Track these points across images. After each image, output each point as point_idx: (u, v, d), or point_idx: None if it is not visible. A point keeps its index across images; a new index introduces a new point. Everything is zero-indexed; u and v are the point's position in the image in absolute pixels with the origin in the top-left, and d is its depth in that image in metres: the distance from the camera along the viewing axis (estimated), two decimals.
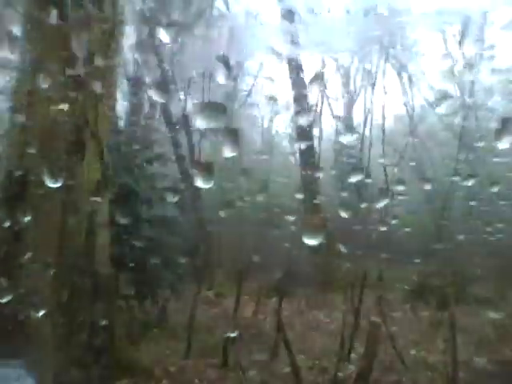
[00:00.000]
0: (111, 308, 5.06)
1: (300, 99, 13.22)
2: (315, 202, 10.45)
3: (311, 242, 2.50)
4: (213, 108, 1.96)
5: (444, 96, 4.19)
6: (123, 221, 5.32)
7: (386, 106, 15.00)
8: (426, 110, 15.28)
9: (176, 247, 6.68)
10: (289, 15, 12.55)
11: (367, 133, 15.57)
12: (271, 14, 16.05)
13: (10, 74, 5.36)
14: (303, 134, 13.15)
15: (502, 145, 2.07)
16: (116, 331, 5.04)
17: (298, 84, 13.34)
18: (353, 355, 5.29)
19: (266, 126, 16.69)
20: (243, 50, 15.62)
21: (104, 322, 4.55)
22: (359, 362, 4.81)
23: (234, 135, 2.05)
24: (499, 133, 2.09)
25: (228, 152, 2.02)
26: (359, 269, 6.55)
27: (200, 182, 1.98)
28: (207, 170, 2.04)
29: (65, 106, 4.37)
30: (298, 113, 13.63)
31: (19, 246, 4.15)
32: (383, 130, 14.04)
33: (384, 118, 14.70)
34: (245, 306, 6.72)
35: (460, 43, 15.07)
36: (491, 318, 6.44)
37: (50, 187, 3.50)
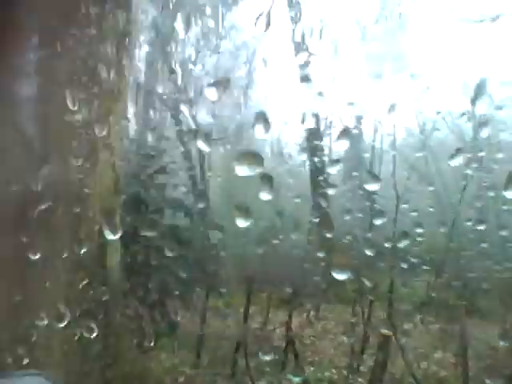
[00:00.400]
0: (121, 317, 5.08)
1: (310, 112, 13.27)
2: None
3: (340, 276, 2.65)
4: (250, 158, 2.09)
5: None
6: (133, 231, 5.35)
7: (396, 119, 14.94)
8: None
9: (186, 257, 6.69)
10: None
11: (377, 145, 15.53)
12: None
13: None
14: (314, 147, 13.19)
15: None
16: (126, 341, 5.06)
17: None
18: (362, 368, 5.25)
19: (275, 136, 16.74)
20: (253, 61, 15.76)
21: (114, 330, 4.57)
22: (369, 374, 4.78)
23: (269, 181, 2.18)
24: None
25: (265, 196, 2.15)
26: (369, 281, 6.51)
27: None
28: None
29: (78, 116, 4.43)
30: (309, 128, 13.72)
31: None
32: (394, 143, 14.02)
33: (395, 130, 14.65)
34: (254, 316, 6.70)
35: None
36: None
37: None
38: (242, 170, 2.04)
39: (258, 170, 2.03)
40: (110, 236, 4.90)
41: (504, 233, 6.14)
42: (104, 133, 4.69)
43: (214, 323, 6.58)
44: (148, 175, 7.47)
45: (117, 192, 4.80)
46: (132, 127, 12.05)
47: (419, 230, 5.68)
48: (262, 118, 2.38)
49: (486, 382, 5.06)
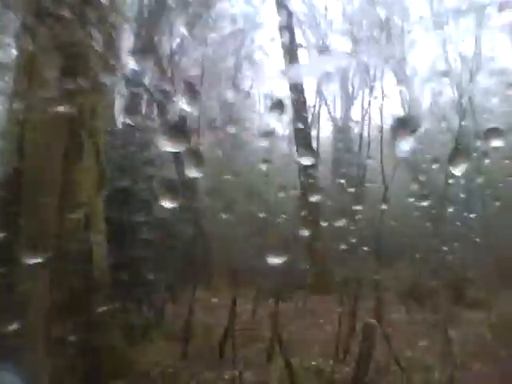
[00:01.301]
0: (107, 310, 5.07)
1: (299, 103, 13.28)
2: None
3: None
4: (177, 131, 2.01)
5: None
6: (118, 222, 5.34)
7: (383, 106, 14.99)
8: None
9: (172, 249, 6.70)
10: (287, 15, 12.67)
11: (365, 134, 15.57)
12: (269, 13, 16.15)
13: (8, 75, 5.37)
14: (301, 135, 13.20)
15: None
16: (113, 333, 5.06)
17: (297, 87, 13.39)
18: (348, 357, 5.30)
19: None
20: (241, 51, 15.69)
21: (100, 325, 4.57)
22: (355, 363, 4.83)
23: (198, 156, 2.06)
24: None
25: (192, 173, 2.02)
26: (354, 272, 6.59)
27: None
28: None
29: (63, 108, 4.39)
30: (296, 115, 13.70)
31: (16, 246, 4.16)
32: (381, 131, 14.05)
33: (382, 118, 14.68)
34: (241, 308, 6.74)
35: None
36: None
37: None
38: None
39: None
40: (96, 228, 4.91)
41: None
42: (89, 125, 4.68)
43: (201, 315, 6.60)
44: (135, 167, 7.44)
45: (102, 185, 4.79)
46: (119, 119, 11.98)
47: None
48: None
49: (472, 369, 5.17)
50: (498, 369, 5.24)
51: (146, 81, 12.93)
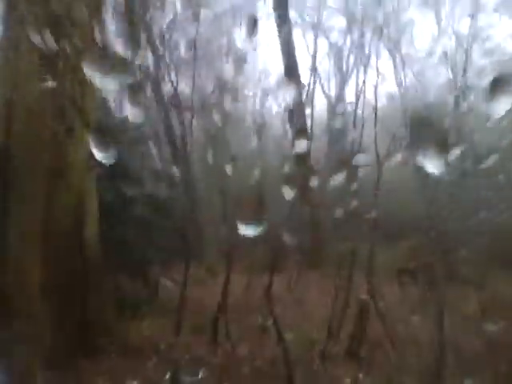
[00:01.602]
0: (101, 286, 5.06)
1: (293, 79, 13.14)
2: None
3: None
4: None
5: None
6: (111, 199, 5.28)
7: (378, 85, 14.85)
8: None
9: (166, 225, 6.66)
10: None
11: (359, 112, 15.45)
12: None
13: None
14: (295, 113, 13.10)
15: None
16: (106, 309, 5.05)
17: (291, 63, 13.25)
18: (342, 332, 5.32)
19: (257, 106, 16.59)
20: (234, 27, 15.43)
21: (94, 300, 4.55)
22: (348, 338, 4.86)
23: None
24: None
25: None
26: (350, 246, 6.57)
27: None
28: None
29: (51, 84, 4.29)
30: (290, 92, 13.58)
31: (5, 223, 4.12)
32: (375, 111, 13.96)
33: (376, 97, 14.56)
34: (235, 282, 6.74)
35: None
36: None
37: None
38: None
39: None
40: (88, 207, 4.85)
41: None
42: (79, 102, 4.58)
43: (194, 290, 6.59)
44: (127, 144, 7.33)
45: (93, 159, 4.70)
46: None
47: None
48: None
49: (462, 345, 5.21)
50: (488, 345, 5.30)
51: (138, 59, 12.73)
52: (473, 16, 13.15)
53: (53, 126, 4.42)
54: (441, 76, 15.83)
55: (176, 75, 12.10)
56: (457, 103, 13.36)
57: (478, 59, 13.67)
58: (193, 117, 11.87)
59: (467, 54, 13.06)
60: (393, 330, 5.34)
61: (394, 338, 5.15)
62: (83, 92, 4.63)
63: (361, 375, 4.17)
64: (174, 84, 11.63)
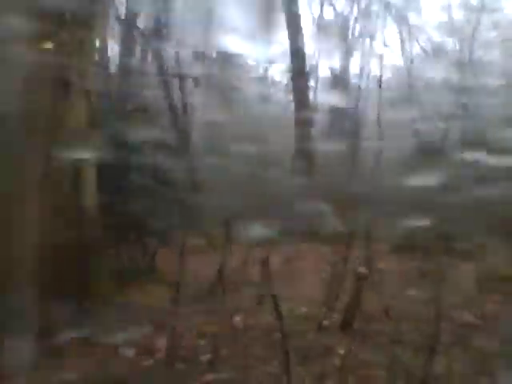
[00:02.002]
0: (100, 257, 5.08)
1: (297, 50, 12.93)
2: None
3: None
4: None
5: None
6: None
7: (383, 57, 14.67)
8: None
9: (165, 195, 6.65)
10: None
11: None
12: None
13: None
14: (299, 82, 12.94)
15: None
16: (105, 279, 5.09)
17: (295, 33, 12.99)
18: (338, 304, 5.37)
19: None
20: None
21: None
22: (344, 310, 4.91)
23: None
24: None
25: None
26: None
27: None
28: None
29: (49, 44, 4.22)
30: (294, 64, 13.37)
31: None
32: (380, 83, 13.82)
33: (382, 69, 14.40)
34: (233, 254, 6.78)
35: None
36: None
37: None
38: None
39: None
40: (86, 173, 4.83)
41: None
42: (77, 63, 4.50)
43: (193, 261, 6.64)
44: (128, 112, 7.28)
45: (93, 124, 4.67)
46: (113, 62, 11.66)
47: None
48: None
49: (457, 319, 5.28)
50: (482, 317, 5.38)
51: (141, 24, 12.51)
52: None
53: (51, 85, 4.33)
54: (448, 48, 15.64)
55: (178, 42, 11.92)
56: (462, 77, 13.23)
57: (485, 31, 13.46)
58: (196, 86, 11.73)
59: (475, 26, 12.86)
60: (389, 303, 5.40)
61: (390, 311, 5.22)
62: (82, 50, 4.55)
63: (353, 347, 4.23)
64: (176, 51, 11.45)
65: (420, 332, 4.70)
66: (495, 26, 13.15)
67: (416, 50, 16.24)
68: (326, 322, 4.87)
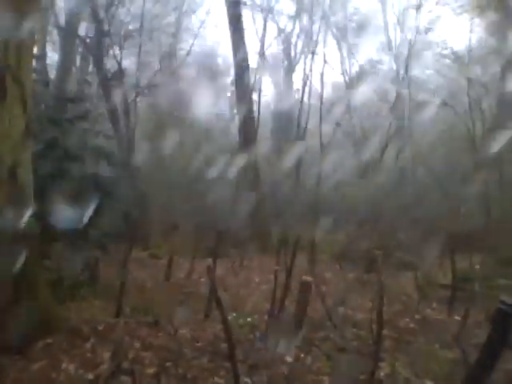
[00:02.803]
0: (36, 266, 4.83)
1: (241, 65, 13.04)
2: None
3: None
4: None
5: None
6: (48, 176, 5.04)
7: (324, 73, 15.05)
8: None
9: (108, 207, 6.46)
10: None
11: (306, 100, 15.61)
12: None
13: None
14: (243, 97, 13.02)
15: None
16: (42, 291, 4.83)
17: (240, 48, 13.12)
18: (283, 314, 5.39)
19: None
20: (183, 8, 15.10)
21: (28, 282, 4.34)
22: (290, 318, 4.93)
23: None
24: None
25: None
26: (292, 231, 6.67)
27: None
28: None
29: None
30: (238, 78, 13.47)
31: None
32: (321, 98, 14.15)
33: (323, 85, 14.75)
34: (179, 266, 6.68)
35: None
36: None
37: None
38: None
39: None
40: (22, 181, 4.60)
41: None
42: (13, 68, 4.30)
43: (137, 274, 6.48)
44: (67, 120, 7.03)
45: (28, 135, 4.45)
46: (51, 71, 11.25)
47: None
48: None
49: (399, 325, 5.44)
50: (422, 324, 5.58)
51: (82, 32, 12.19)
52: (417, 8, 13.56)
53: None
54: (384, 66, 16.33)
55: (120, 51, 11.67)
56: (398, 94, 13.84)
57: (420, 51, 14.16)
58: (137, 95, 11.55)
59: (410, 45, 13.49)
60: (333, 311, 5.48)
61: (335, 319, 5.29)
62: (19, 57, 4.35)
63: (302, 354, 4.25)
64: (118, 60, 11.19)
65: (363, 338, 4.81)
66: (428, 45, 13.88)
67: (355, 67, 16.84)
68: (271, 330, 4.86)
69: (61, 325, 4.46)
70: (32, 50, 5.12)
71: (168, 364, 3.73)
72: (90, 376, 3.29)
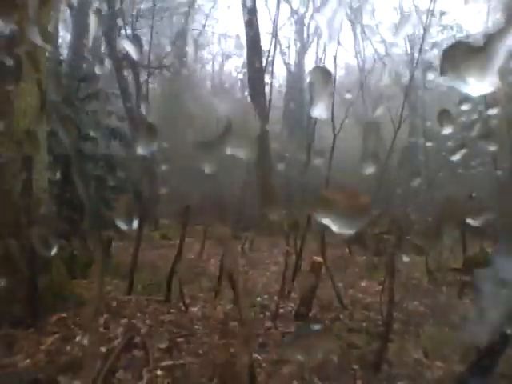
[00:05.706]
0: (49, 245, 4.89)
1: (254, 45, 12.94)
2: None
3: None
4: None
5: None
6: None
7: (337, 56, 14.86)
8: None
9: (120, 186, 6.51)
10: None
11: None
12: None
13: None
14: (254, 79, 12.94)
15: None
16: (57, 267, 4.91)
17: (252, 29, 12.99)
18: (293, 294, 5.44)
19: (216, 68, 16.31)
20: None
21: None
22: (299, 300, 4.96)
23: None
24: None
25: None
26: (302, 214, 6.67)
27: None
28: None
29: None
30: (250, 58, 13.36)
31: None
32: (334, 81, 14.00)
33: (336, 67, 14.56)
34: (190, 246, 6.72)
35: None
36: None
37: None
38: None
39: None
40: (37, 159, 4.64)
41: None
42: (26, 47, 4.31)
43: (148, 252, 6.54)
44: (80, 100, 7.06)
45: (42, 108, 4.48)
46: (64, 50, 11.27)
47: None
48: None
49: (408, 308, 5.45)
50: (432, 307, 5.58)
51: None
52: None
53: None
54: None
55: (132, 30, 11.65)
56: (412, 77, 13.65)
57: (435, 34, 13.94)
58: (149, 75, 11.53)
59: (425, 28, 13.25)
60: (343, 292, 5.51)
61: (344, 300, 5.32)
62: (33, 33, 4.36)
63: None
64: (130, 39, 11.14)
65: (373, 320, 4.83)
66: (443, 28, 13.66)
67: (369, 50, 16.63)
68: (281, 311, 4.91)
69: (75, 300, 4.54)
70: (46, 30, 5.12)
71: (179, 340, 3.79)
72: (103, 350, 3.35)
